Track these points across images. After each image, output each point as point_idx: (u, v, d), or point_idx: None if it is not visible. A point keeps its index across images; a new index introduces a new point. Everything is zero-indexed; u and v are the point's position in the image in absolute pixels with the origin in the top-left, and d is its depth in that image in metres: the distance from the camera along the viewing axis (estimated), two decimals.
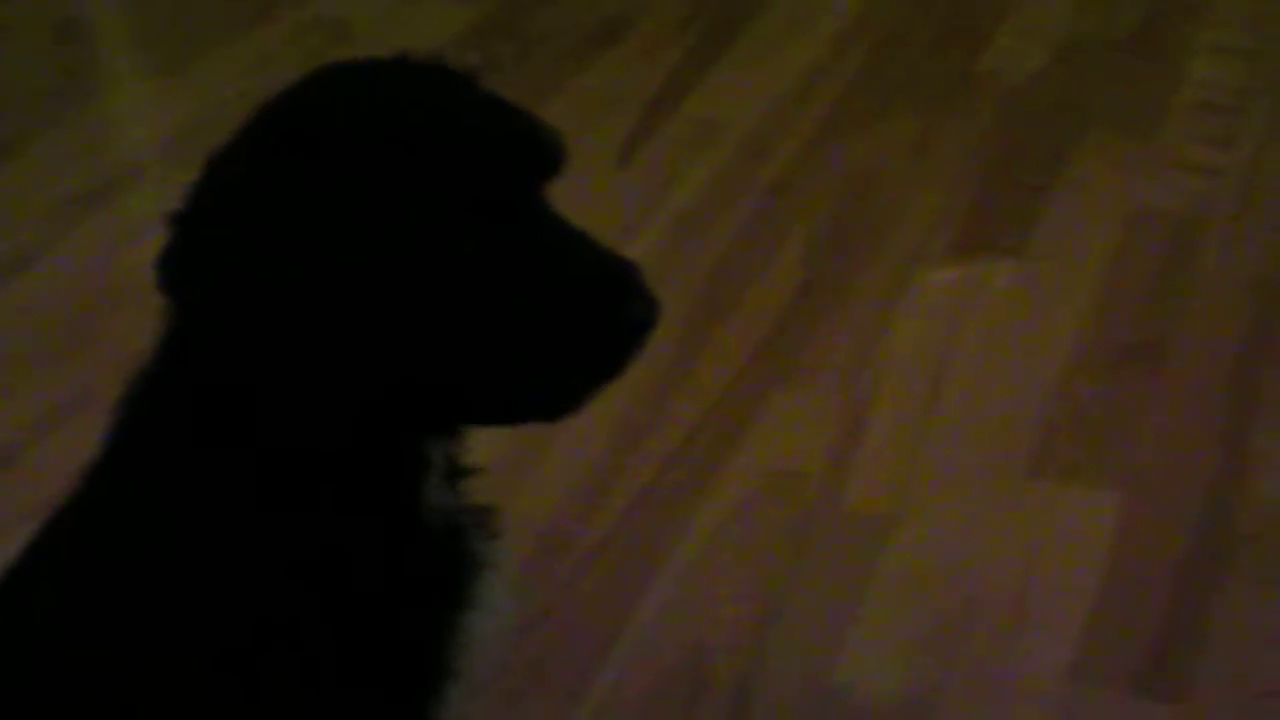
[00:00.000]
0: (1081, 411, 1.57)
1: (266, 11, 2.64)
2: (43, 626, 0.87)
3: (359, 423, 0.83)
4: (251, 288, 0.80)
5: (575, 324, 0.84)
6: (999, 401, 1.60)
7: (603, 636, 1.36)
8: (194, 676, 0.85)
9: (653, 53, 2.36)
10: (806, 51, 2.32)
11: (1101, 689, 1.28)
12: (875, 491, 1.49)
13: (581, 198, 1.98)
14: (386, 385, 0.82)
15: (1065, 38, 2.29)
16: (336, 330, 0.80)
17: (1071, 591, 1.37)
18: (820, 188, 1.99)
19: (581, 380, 0.86)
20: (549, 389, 0.86)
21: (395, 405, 0.83)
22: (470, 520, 0.92)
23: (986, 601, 1.36)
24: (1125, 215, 1.88)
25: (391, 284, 0.80)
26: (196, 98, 2.38)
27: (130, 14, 2.76)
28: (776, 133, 2.12)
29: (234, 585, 0.85)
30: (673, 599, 1.40)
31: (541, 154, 0.87)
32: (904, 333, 1.71)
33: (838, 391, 1.63)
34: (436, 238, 0.81)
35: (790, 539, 1.45)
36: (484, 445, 1.56)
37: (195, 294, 0.82)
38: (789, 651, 1.34)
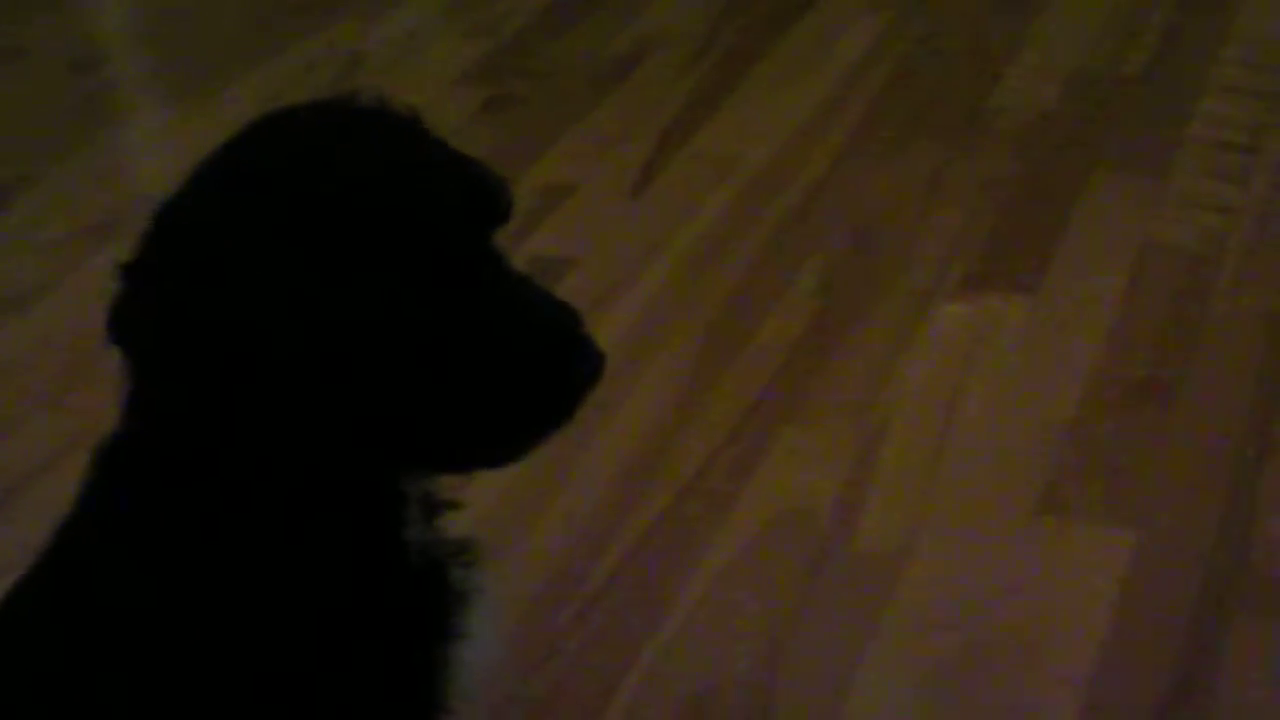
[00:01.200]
0: (1094, 449, 1.56)
1: (280, 44, 2.65)
2: (23, 681, 0.87)
3: (318, 467, 0.84)
4: (197, 340, 0.81)
5: (524, 379, 0.85)
6: (1011, 438, 1.59)
7: (612, 674, 1.35)
8: None
9: (665, 86, 2.36)
10: (819, 86, 2.32)
11: None
12: (886, 529, 1.49)
13: (595, 229, 2.01)
14: (337, 433, 0.83)
15: (1077, 74, 2.29)
16: (282, 382, 0.81)
17: (1083, 631, 1.36)
18: (833, 222, 1.99)
19: (529, 430, 0.87)
20: (497, 439, 0.87)
21: (351, 451, 0.84)
22: (450, 553, 0.92)
23: (998, 640, 1.35)
24: (1138, 251, 1.88)
25: (336, 338, 0.81)
26: (211, 129, 2.36)
27: (145, 46, 2.77)
28: (789, 166, 2.12)
29: (214, 634, 0.85)
30: (682, 636, 1.39)
31: (489, 204, 0.87)
32: (916, 368, 1.71)
33: (849, 427, 1.62)
34: (384, 292, 0.81)
35: (800, 576, 1.44)
36: (493, 482, 1.56)
37: (144, 346, 0.83)
38: (799, 689, 1.33)
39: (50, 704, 0.86)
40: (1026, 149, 2.11)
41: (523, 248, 1.95)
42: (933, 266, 1.88)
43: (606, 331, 1.80)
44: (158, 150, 2.44)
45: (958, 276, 1.86)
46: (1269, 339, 1.72)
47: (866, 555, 1.46)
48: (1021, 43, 2.39)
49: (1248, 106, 2.17)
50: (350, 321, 0.81)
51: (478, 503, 1.51)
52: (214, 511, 0.84)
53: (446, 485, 0.93)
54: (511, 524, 1.52)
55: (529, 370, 0.85)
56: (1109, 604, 1.38)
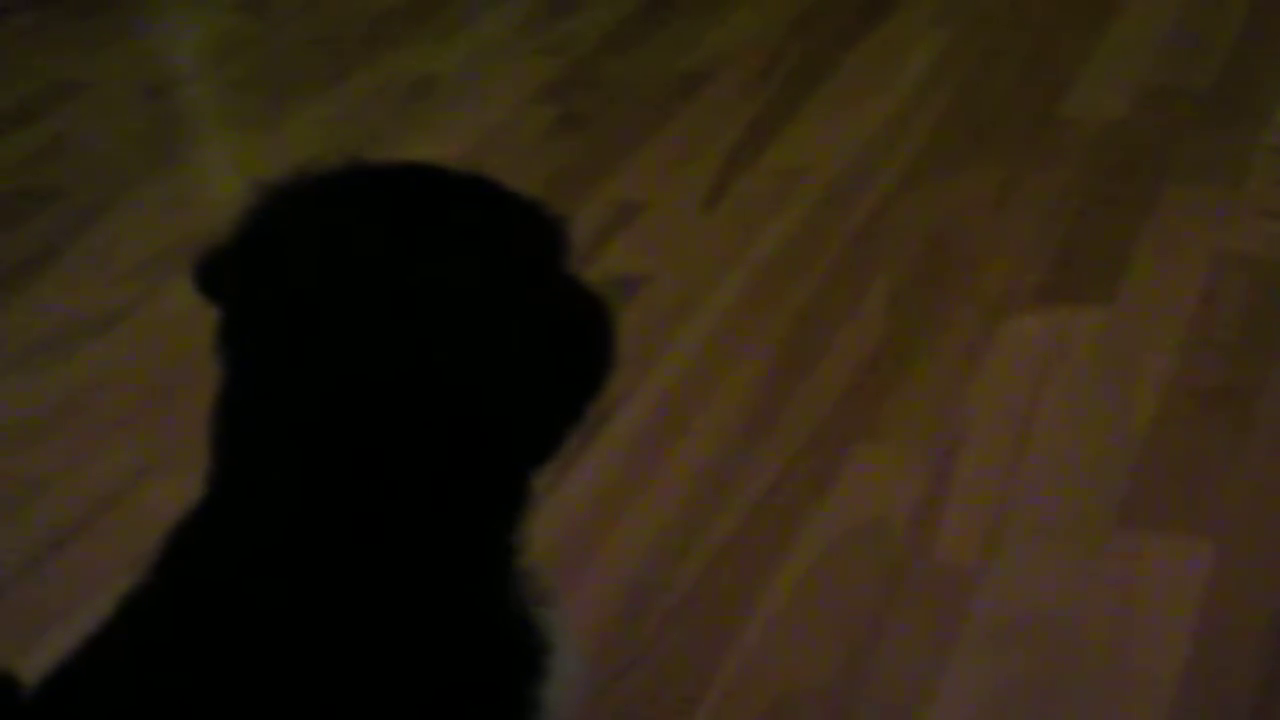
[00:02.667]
0: (1171, 459, 1.56)
1: (350, 67, 2.68)
2: (148, 661, 0.88)
3: (440, 489, 0.88)
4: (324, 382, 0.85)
5: (578, 354, 0.95)
6: (1087, 450, 1.58)
7: (691, 688, 1.35)
8: None
9: (733, 104, 2.37)
10: (886, 101, 2.32)
11: None
12: (963, 541, 1.48)
13: (667, 246, 2.02)
14: (479, 469, 0.88)
15: (1146, 85, 2.28)
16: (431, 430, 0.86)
17: (1165, 642, 1.35)
18: (903, 237, 1.99)
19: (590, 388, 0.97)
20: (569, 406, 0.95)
21: (489, 491, 0.89)
22: (537, 595, 0.94)
23: (1078, 653, 1.35)
24: (1211, 261, 1.86)
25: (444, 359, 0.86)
26: (284, 154, 2.41)
27: (216, 72, 2.80)
28: (858, 182, 2.12)
29: (324, 659, 0.86)
30: (761, 650, 1.39)
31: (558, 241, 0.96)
32: (990, 381, 1.70)
33: (924, 441, 1.62)
34: (491, 324, 0.88)
35: (878, 589, 1.44)
36: (571, 496, 1.57)
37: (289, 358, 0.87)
38: (878, 703, 1.33)
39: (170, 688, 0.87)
40: (1097, 161, 2.10)
41: (595, 265, 1.96)
42: (1005, 279, 1.87)
43: (680, 347, 1.81)
44: (230, 176, 2.47)
45: (1030, 289, 1.85)
46: None
47: (944, 568, 1.46)
48: (1089, 55, 2.38)
49: None
50: (453, 344, 0.86)
51: (559, 517, 1.53)
52: (337, 537, 0.87)
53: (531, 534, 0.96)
54: (592, 537, 1.53)
55: (580, 347, 0.95)
56: (1190, 615, 1.37)
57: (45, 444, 1.78)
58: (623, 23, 2.68)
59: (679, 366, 1.77)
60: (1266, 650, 1.34)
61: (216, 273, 0.92)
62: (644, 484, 1.59)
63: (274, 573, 0.87)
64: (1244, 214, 1.95)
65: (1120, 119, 2.19)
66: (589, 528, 1.54)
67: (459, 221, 0.89)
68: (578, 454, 1.62)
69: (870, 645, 1.38)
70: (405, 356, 0.85)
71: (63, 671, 0.91)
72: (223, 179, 2.48)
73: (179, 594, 0.89)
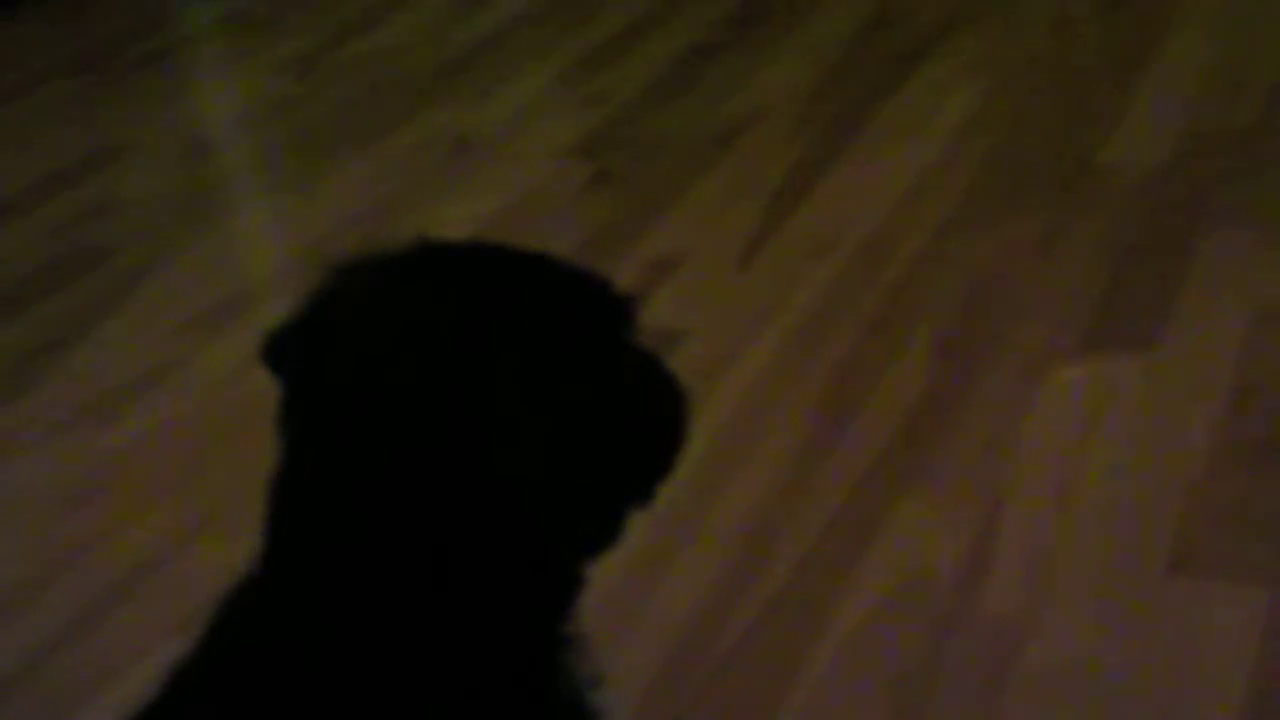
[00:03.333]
0: (1222, 507, 1.54)
1: (390, 127, 2.70)
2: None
3: (491, 554, 0.87)
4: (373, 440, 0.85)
5: (646, 437, 0.95)
6: (1136, 498, 1.57)
7: None
8: None
9: (769, 156, 2.37)
10: (924, 150, 2.32)
11: None
12: (1013, 592, 1.47)
13: (705, 301, 2.02)
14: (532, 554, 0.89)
15: (1187, 129, 2.27)
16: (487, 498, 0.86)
17: (1219, 691, 1.33)
18: (943, 287, 1.98)
19: (656, 476, 0.97)
20: (638, 487, 0.96)
21: (540, 577, 0.90)
22: (584, 673, 0.95)
23: (1131, 704, 1.33)
24: (1257, 307, 1.85)
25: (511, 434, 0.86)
26: (324, 213, 2.43)
27: (257, 132, 2.83)
28: (897, 232, 2.12)
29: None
30: (810, 706, 1.38)
31: (621, 312, 0.97)
32: (1035, 431, 1.69)
33: (969, 491, 1.61)
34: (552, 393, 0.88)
35: (927, 641, 1.43)
36: (615, 553, 1.56)
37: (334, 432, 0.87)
38: None
39: None
40: (1138, 206, 2.09)
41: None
42: (1047, 328, 1.86)
43: (721, 401, 1.81)
44: (274, 235, 2.48)
45: (1074, 337, 1.84)
46: None
47: (994, 619, 1.44)
48: (1128, 101, 2.37)
49: None
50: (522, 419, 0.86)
51: (604, 575, 1.52)
52: (387, 619, 0.87)
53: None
54: (637, 594, 1.52)
55: (647, 429, 0.94)
56: (1245, 663, 1.36)
57: (90, 507, 1.79)
58: (659, 77, 2.69)
59: (719, 421, 1.76)
60: None
61: (281, 348, 0.92)
62: (688, 540, 1.58)
63: (321, 650, 0.86)
64: None
65: (1160, 164, 2.18)
66: (634, 585, 1.53)
67: (525, 304, 0.89)
68: None
69: (920, 699, 1.37)
70: (464, 445, 0.85)
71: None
72: (265, 239, 2.49)
73: (228, 666, 0.89)
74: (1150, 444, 1.65)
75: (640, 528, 1.59)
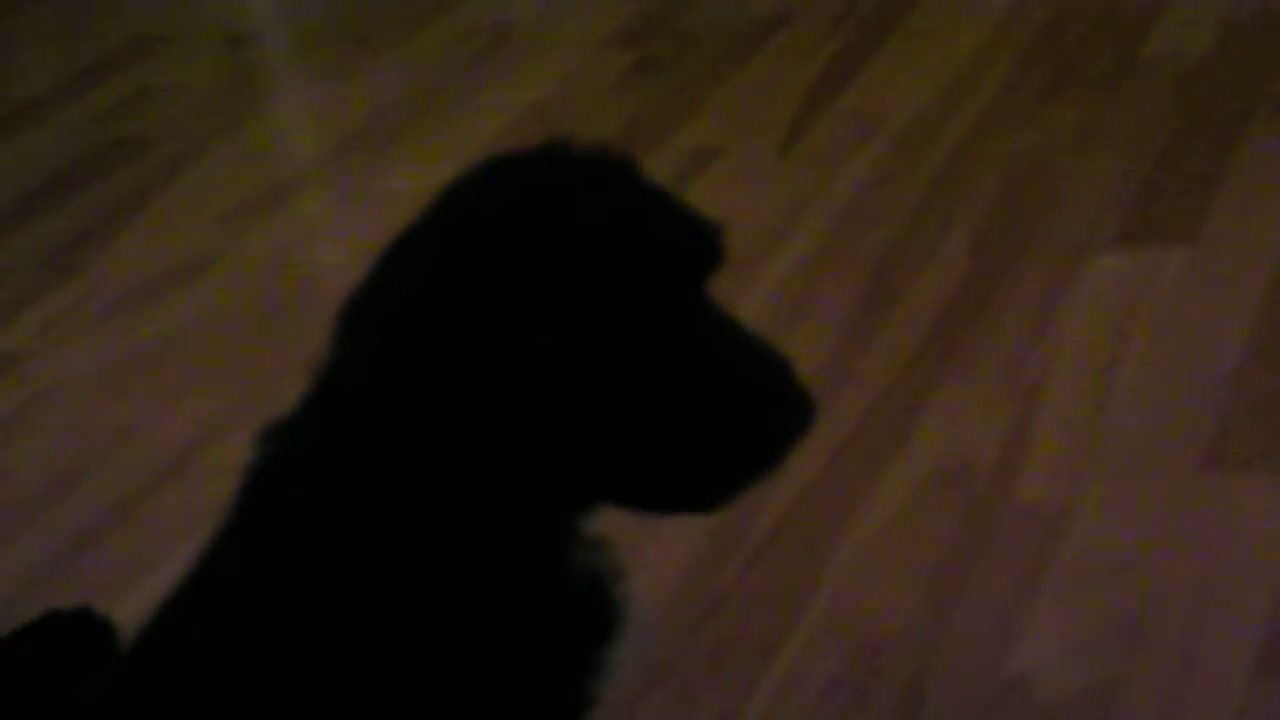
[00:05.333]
0: (1259, 400, 1.54)
1: (427, 17, 2.68)
2: (193, 675, 0.89)
3: (518, 499, 0.86)
4: (427, 376, 0.83)
5: (734, 425, 0.87)
6: (1173, 391, 1.57)
7: (775, 630, 1.36)
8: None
9: (810, 45, 2.36)
10: (966, 41, 2.30)
11: None
12: (1048, 483, 1.48)
13: (744, 191, 2.02)
14: (547, 470, 0.85)
15: (1230, 19, 2.24)
16: (503, 419, 0.83)
17: (1253, 582, 1.34)
18: (984, 177, 1.97)
19: (737, 479, 0.89)
20: (706, 485, 0.89)
21: (554, 488, 0.86)
22: (605, 564, 0.94)
23: (1166, 594, 1.34)
24: None
25: (558, 377, 0.82)
26: (361, 103, 2.43)
27: (297, 23, 2.82)
28: (937, 123, 2.11)
29: (395, 635, 0.87)
30: (845, 593, 1.40)
31: (705, 252, 0.88)
32: (1073, 322, 1.69)
33: (1007, 382, 1.61)
34: (599, 337, 0.83)
35: (962, 531, 1.44)
36: None
37: (366, 373, 0.85)
38: (963, 645, 1.33)
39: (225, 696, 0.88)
40: (1181, 97, 2.07)
41: None
42: (1088, 218, 1.86)
43: (758, 292, 1.81)
44: (313, 125, 2.48)
45: (1114, 228, 1.83)
46: None
47: (1029, 510, 1.45)
48: None
49: None
50: (564, 360, 0.83)
51: None
52: (401, 524, 0.86)
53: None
54: None
55: (738, 417, 0.87)
56: (1278, 555, 1.36)
57: (136, 391, 1.81)
58: None
59: (757, 313, 1.76)
60: None
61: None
62: None
63: (332, 524, 0.87)
64: None
65: (1204, 55, 2.16)
66: None
67: (591, 255, 0.84)
68: None
69: (955, 587, 1.38)
70: (490, 370, 0.83)
71: (158, 619, 0.93)
72: (301, 129, 2.49)
73: (260, 537, 0.90)
74: (1188, 336, 1.65)
75: None
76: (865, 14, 2.42)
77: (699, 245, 0.88)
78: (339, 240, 2.00)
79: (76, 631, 1.20)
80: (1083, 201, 1.89)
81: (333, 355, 0.87)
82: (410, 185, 2.02)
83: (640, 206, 0.87)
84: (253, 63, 2.69)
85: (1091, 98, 2.10)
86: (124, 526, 1.60)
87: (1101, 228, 1.84)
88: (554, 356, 0.82)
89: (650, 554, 1.45)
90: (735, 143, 2.13)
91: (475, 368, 0.82)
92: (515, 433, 0.83)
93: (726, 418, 0.86)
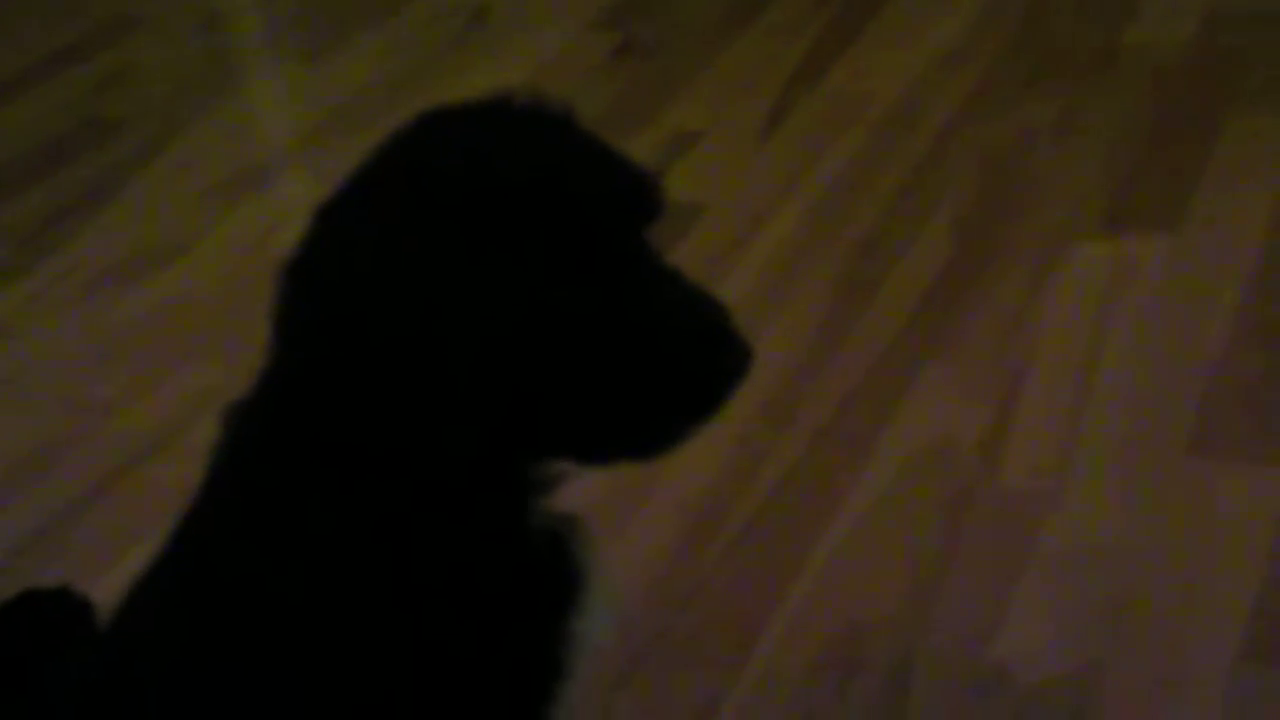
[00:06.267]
0: (1243, 386, 1.54)
1: None
2: (166, 651, 0.89)
3: (460, 454, 0.85)
4: (364, 339, 0.83)
5: (672, 371, 0.87)
6: (1157, 376, 1.57)
7: (758, 613, 1.36)
8: (316, 690, 0.87)
9: (792, 29, 2.35)
10: (949, 25, 2.29)
11: (1271, 668, 1.26)
12: (1032, 467, 1.47)
13: (726, 174, 2.01)
14: (489, 424, 0.84)
15: (1212, 9, 2.24)
16: (442, 378, 0.83)
17: (1238, 569, 1.34)
18: (966, 163, 1.97)
19: (676, 424, 0.89)
20: (645, 432, 0.89)
21: (494, 436, 0.85)
22: (568, 529, 0.94)
23: (1150, 579, 1.34)
24: None
25: (496, 332, 0.83)
26: (340, 83, 2.41)
27: (274, 3, 2.80)
28: (920, 107, 2.10)
29: (353, 602, 0.87)
30: (827, 577, 1.39)
31: (641, 199, 0.88)
32: (1057, 307, 1.69)
33: (990, 365, 1.61)
34: (536, 286, 0.83)
35: (945, 515, 1.44)
36: None
37: (306, 345, 0.85)
38: (946, 629, 1.33)
39: (191, 690, 0.88)
40: (1164, 86, 2.07)
41: None
42: (1071, 205, 1.85)
43: (741, 275, 1.80)
44: (288, 106, 2.47)
45: (1096, 215, 1.83)
46: None
47: (1012, 494, 1.45)
48: None
49: None
50: (503, 311, 0.83)
51: None
52: (353, 488, 0.87)
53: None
54: (651, 467, 1.52)
55: (675, 363, 0.87)
56: (1261, 543, 1.36)
57: (113, 370, 1.79)
58: None
59: (740, 295, 1.76)
60: None
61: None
62: None
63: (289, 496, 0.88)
64: None
65: (1187, 42, 2.16)
66: None
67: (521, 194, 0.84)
68: None
69: (938, 571, 1.38)
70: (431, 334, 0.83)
71: (132, 598, 0.93)
72: (279, 110, 2.47)
73: (231, 512, 0.90)
74: (1171, 324, 1.65)
75: None
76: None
77: (635, 194, 0.88)
78: None
79: (55, 610, 1.19)
80: (1065, 188, 1.89)
81: (276, 326, 0.87)
82: None
83: (576, 157, 0.87)
84: (230, 43, 2.67)
85: (1074, 85, 2.10)
86: (104, 503, 1.58)
87: (1084, 215, 1.83)
88: (489, 309, 0.82)
89: (630, 538, 1.45)
90: (718, 125, 2.12)
91: (410, 328, 0.82)
92: (456, 389, 0.83)
93: (664, 364, 0.86)
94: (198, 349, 1.80)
